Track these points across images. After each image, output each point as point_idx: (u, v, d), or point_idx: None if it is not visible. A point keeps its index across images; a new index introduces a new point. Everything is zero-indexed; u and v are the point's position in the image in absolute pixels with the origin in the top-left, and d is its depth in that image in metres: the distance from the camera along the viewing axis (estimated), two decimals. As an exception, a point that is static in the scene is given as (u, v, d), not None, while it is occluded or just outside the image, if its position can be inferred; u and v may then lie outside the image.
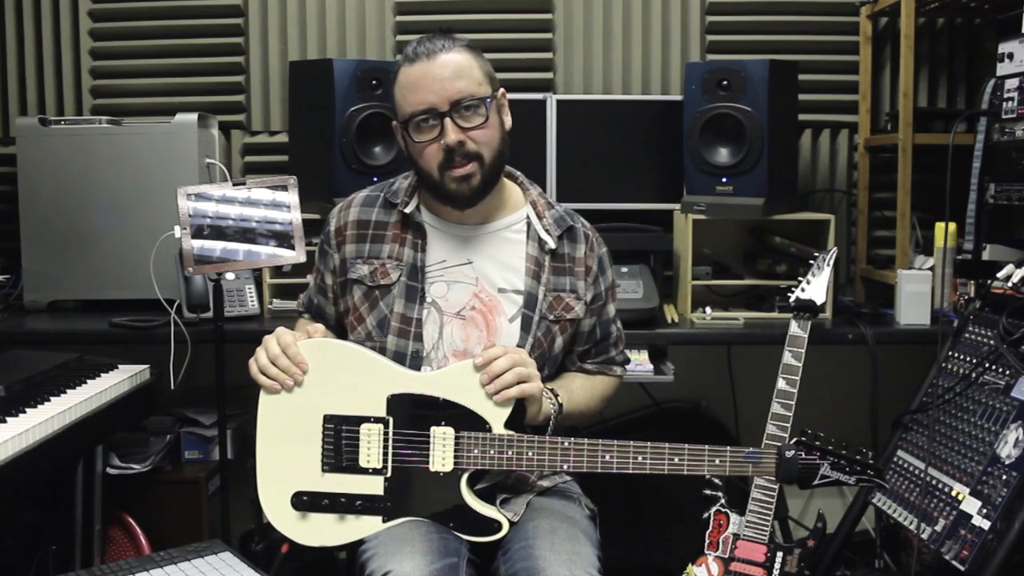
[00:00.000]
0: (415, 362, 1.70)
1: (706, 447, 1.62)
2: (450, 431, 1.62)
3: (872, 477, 1.66)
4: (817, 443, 1.66)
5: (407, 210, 1.76)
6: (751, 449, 1.65)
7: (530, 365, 1.63)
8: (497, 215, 1.78)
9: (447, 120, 1.64)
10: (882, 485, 1.84)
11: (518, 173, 1.85)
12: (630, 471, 1.61)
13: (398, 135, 1.74)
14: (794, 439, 1.67)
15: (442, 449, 1.62)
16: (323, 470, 1.64)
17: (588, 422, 2.81)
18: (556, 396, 1.72)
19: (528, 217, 1.80)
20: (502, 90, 1.73)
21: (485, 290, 1.75)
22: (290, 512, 1.64)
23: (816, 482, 1.66)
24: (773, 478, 1.69)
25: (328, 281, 1.84)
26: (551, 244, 1.77)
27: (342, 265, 1.79)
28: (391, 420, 1.63)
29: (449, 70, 1.64)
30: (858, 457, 1.66)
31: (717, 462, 1.63)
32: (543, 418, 1.69)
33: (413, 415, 1.63)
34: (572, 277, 1.79)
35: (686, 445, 1.62)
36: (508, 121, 1.75)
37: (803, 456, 1.64)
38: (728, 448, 1.63)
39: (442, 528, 1.62)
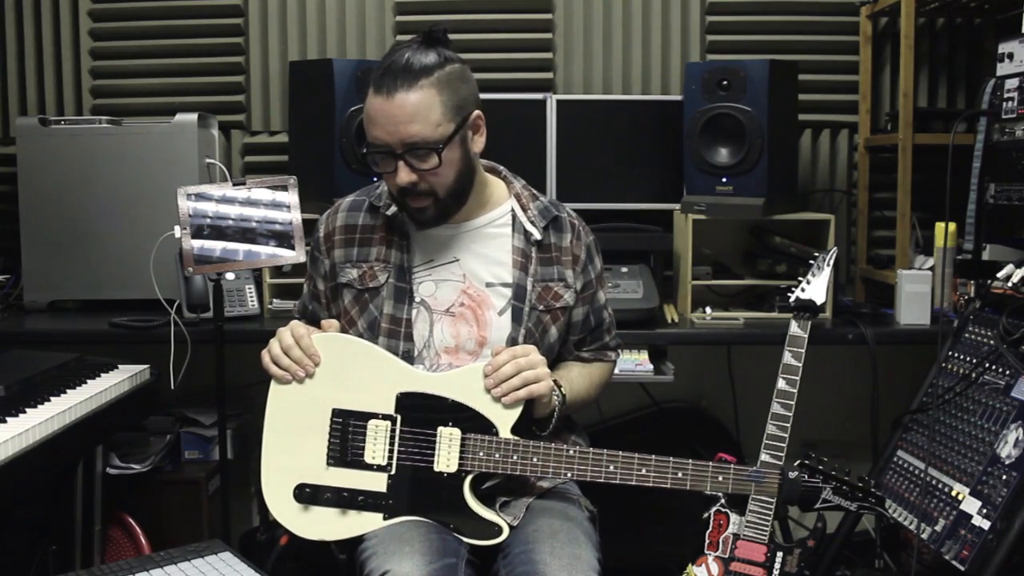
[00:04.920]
0: (407, 361, 1.71)
1: (710, 464, 1.64)
2: (457, 432, 1.62)
3: (874, 505, 1.67)
4: (821, 467, 1.66)
5: (390, 212, 1.77)
6: (754, 468, 1.66)
7: (539, 365, 1.63)
8: (481, 211, 1.79)
9: (400, 162, 1.63)
10: (884, 514, 1.85)
11: (501, 167, 1.86)
12: (633, 483, 1.63)
13: None
14: (797, 461, 1.67)
15: (448, 450, 1.62)
16: (328, 464, 1.64)
17: (587, 420, 2.82)
18: (559, 387, 1.72)
19: (513, 210, 1.80)
20: (476, 112, 1.69)
21: (473, 286, 1.76)
22: (292, 503, 1.64)
23: (818, 505, 1.66)
24: (775, 499, 1.69)
25: (320, 287, 1.85)
26: (537, 235, 1.78)
27: (332, 270, 1.81)
28: (399, 418, 1.64)
29: (405, 112, 1.60)
30: (860, 484, 1.66)
31: (720, 479, 1.65)
32: (549, 410, 1.69)
33: (421, 414, 1.63)
34: (560, 266, 1.80)
35: (690, 460, 1.63)
36: (479, 144, 1.72)
37: (806, 479, 1.65)
38: (732, 466, 1.64)
39: (442, 528, 1.62)
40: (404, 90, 1.59)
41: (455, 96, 1.64)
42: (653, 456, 1.63)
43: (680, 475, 1.63)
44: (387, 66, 1.62)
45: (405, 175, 1.63)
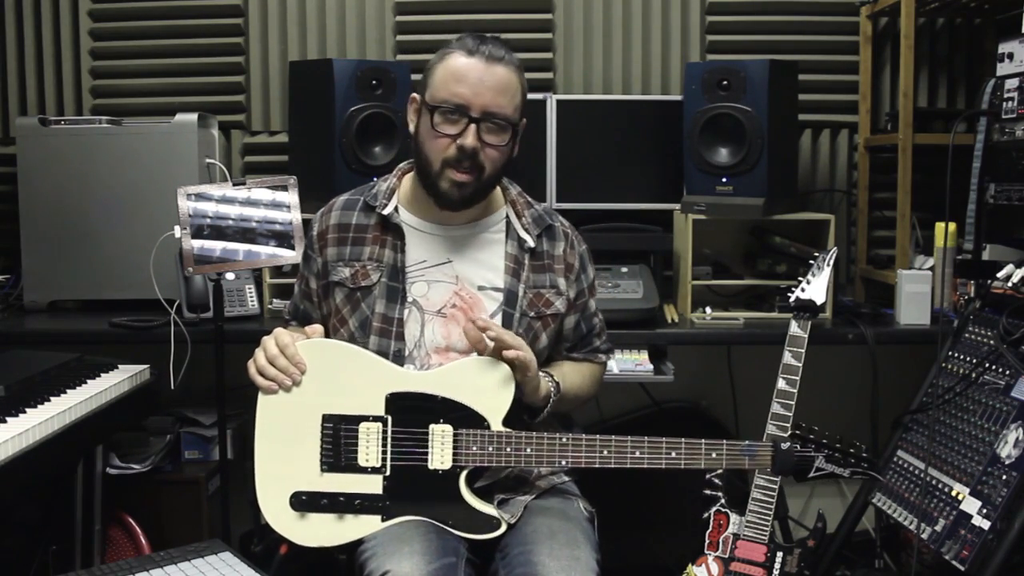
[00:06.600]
0: (398, 361, 1.71)
1: (702, 441, 1.64)
2: (449, 428, 1.62)
3: (867, 469, 1.68)
4: (812, 436, 1.67)
5: (385, 212, 1.78)
6: (747, 443, 1.66)
7: (525, 345, 1.65)
8: (477, 215, 1.80)
9: (473, 125, 1.66)
10: (877, 478, 1.85)
11: None
12: (628, 466, 1.63)
13: (412, 107, 1.75)
14: (789, 432, 1.68)
15: (441, 447, 1.62)
16: (322, 470, 1.64)
17: (587, 420, 2.82)
18: (552, 376, 1.73)
19: (508, 216, 1.82)
20: (524, 121, 1.76)
21: (465, 288, 1.77)
22: (289, 512, 1.64)
23: (812, 474, 1.67)
24: (769, 470, 1.70)
25: (313, 285, 1.85)
26: (530, 243, 1.79)
27: (324, 268, 1.81)
28: (390, 419, 1.64)
29: (500, 83, 1.67)
30: (852, 450, 1.67)
31: (714, 455, 1.65)
32: (543, 396, 1.69)
33: (412, 413, 1.63)
34: (552, 274, 1.81)
35: (683, 439, 1.64)
36: (516, 150, 1.77)
37: (799, 448, 1.65)
38: (724, 442, 1.64)
39: (440, 527, 1.62)
40: (503, 65, 1.68)
41: (525, 97, 1.74)
42: (646, 438, 1.63)
43: (674, 455, 1.63)
44: (478, 38, 1.69)
45: (472, 139, 1.66)
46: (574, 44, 2.99)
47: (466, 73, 1.66)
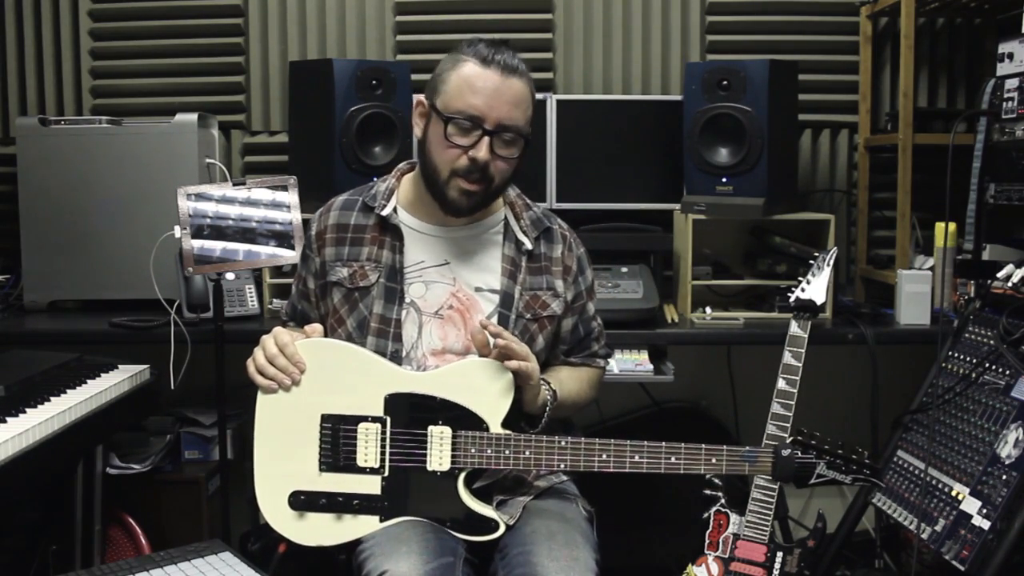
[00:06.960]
0: (395, 361, 1.71)
1: (703, 446, 1.63)
2: (447, 430, 1.62)
3: (868, 476, 1.67)
4: (813, 442, 1.67)
5: (384, 213, 1.77)
6: (747, 448, 1.65)
7: (531, 356, 1.65)
8: (475, 217, 1.80)
9: (486, 138, 1.65)
10: (878, 485, 1.84)
11: None
12: (627, 470, 1.62)
13: (417, 111, 1.74)
14: (790, 438, 1.68)
15: (439, 448, 1.62)
16: (320, 470, 1.64)
17: (587, 421, 2.82)
18: (549, 384, 1.73)
19: (506, 218, 1.82)
20: (529, 129, 1.75)
21: (463, 290, 1.77)
22: (287, 512, 1.64)
23: (813, 481, 1.66)
24: (770, 477, 1.69)
25: (310, 285, 1.85)
26: (528, 245, 1.79)
27: (322, 268, 1.81)
28: (389, 419, 1.64)
29: (514, 95, 1.66)
30: (854, 456, 1.66)
31: (714, 461, 1.64)
32: (540, 404, 1.69)
33: (411, 414, 1.63)
34: (549, 276, 1.81)
35: (682, 444, 1.63)
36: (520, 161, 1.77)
37: (799, 455, 1.65)
38: (724, 447, 1.63)
39: (439, 528, 1.62)
40: (517, 76, 1.66)
41: (533, 107, 1.73)
42: (645, 442, 1.62)
43: (673, 459, 1.63)
44: (493, 47, 1.66)
45: (485, 152, 1.65)
46: (574, 44, 2.99)
47: (482, 85, 1.64)
